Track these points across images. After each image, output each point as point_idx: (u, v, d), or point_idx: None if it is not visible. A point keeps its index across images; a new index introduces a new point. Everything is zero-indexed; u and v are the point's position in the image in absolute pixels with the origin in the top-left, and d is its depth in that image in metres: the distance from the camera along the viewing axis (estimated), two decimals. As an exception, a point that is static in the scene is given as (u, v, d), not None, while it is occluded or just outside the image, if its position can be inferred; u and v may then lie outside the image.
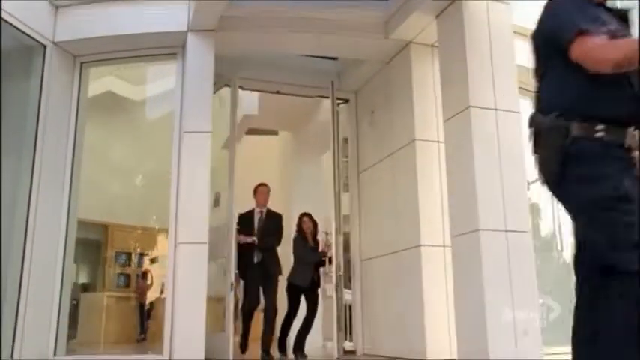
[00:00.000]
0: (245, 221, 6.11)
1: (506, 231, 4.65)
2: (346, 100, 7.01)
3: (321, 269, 6.49)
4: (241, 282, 6.28)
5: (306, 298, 6.26)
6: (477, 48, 4.96)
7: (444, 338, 5.19)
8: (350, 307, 6.68)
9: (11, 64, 5.36)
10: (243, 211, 6.22)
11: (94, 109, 7.91)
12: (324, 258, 6.40)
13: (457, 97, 4.97)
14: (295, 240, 6.43)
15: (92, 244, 10.58)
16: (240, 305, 6.34)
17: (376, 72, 6.48)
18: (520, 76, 5.57)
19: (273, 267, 6.08)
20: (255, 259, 5.98)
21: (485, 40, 4.99)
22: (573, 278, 6.13)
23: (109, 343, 8.42)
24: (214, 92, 6.42)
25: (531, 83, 2.33)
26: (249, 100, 7.77)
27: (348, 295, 6.69)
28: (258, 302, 6.08)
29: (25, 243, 5.17)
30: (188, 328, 4.96)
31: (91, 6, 5.77)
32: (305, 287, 6.24)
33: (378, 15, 5.76)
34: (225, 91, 6.69)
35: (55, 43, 5.66)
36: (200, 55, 5.50)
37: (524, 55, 5.86)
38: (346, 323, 6.76)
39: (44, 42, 5.59)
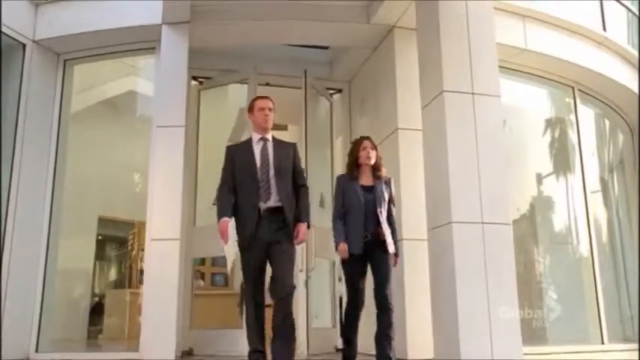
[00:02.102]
0: None
1: (482, 223, 4.34)
2: (339, 90, 6.78)
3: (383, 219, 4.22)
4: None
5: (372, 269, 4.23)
6: (452, 29, 4.66)
7: (427, 337, 4.92)
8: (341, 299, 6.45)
9: (-10, 64, 5.40)
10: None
11: (114, 109, 8.03)
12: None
13: (432, 82, 4.69)
14: (341, 180, 4.36)
15: (117, 242, 10.75)
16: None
17: (365, 60, 6.22)
18: (502, 55, 5.25)
19: None
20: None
21: (462, 21, 4.68)
22: (586, 273, 5.78)
23: (133, 339, 8.53)
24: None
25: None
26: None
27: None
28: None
29: (2, 244, 5.20)
30: (158, 326, 4.87)
31: (70, 2, 5.75)
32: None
33: (359, -1, 5.51)
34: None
35: (35, 42, 5.68)
36: (174, 48, 5.40)
37: (508, 33, 5.66)
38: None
39: (24, 40, 5.60)
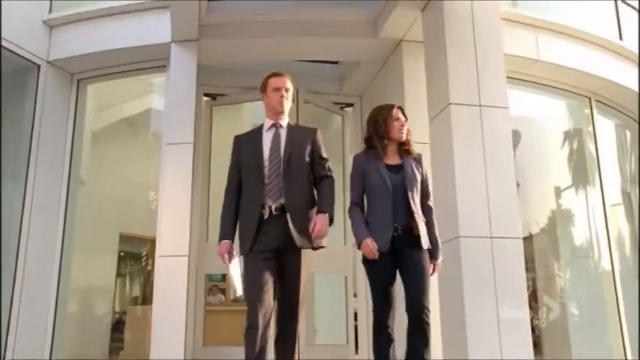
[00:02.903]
0: None
1: (491, 237, 4.25)
2: (350, 105, 6.77)
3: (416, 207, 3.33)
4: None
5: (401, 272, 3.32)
6: (459, 41, 4.62)
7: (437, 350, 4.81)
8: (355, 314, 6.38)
9: (5, 85, 5.54)
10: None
11: (134, 127, 8.16)
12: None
13: (439, 94, 4.64)
14: (359, 160, 3.47)
15: (138, 258, 10.86)
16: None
17: (375, 74, 6.19)
18: (510, 66, 5.18)
19: None
20: None
21: (468, 32, 4.64)
22: (608, 288, 5.61)
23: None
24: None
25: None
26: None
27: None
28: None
29: (16, 265, 5.29)
30: (168, 342, 4.87)
31: (84, 23, 5.87)
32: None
33: (366, 13, 5.50)
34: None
35: (49, 62, 5.80)
36: (183, 66, 5.45)
37: (516, 43, 5.58)
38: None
39: (38, 61, 5.73)
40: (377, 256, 3.16)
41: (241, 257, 3.21)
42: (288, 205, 3.12)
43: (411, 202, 3.26)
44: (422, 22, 5.04)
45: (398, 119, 3.39)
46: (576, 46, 6.09)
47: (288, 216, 3.10)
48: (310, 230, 3.09)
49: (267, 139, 3.28)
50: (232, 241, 3.20)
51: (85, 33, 5.85)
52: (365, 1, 5.47)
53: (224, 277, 7.88)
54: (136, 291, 11.35)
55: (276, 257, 3.13)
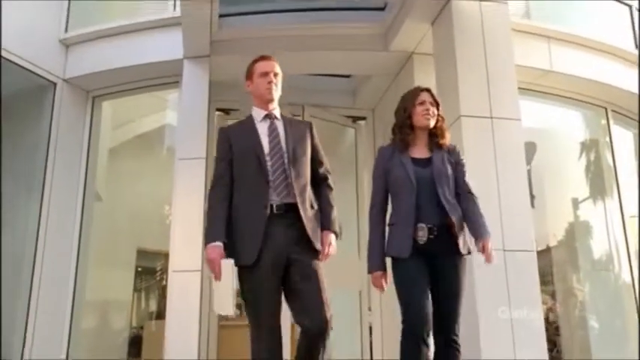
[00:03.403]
0: None
1: (504, 250, 4.19)
2: (363, 118, 6.76)
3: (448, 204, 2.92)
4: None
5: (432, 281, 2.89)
6: (469, 52, 4.60)
7: None
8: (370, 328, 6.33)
9: (22, 104, 5.65)
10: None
11: (151, 142, 8.25)
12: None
13: (450, 107, 4.59)
14: (382, 153, 3.08)
15: (155, 273, 10.92)
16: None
17: (387, 87, 6.19)
18: (523, 77, 5.14)
19: None
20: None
21: (478, 44, 4.62)
22: (628, 302, 5.50)
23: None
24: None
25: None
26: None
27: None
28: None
29: (32, 280, 5.36)
30: (181, 358, 4.86)
31: (99, 41, 5.98)
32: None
33: (376, 27, 5.52)
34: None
35: (65, 80, 5.90)
36: (195, 81, 5.50)
37: (528, 54, 5.54)
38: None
39: (54, 80, 5.84)
40: (385, 290, 2.90)
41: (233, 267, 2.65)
42: (301, 205, 2.72)
43: (442, 198, 2.85)
44: (432, 35, 5.03)
45: (422, 103, 2.98)
46: (590, 56, 6.04)
47: (302, 215, 2.71)
48: (323, 254, 2.76)
49: (262, 131, 2.86)
50: (225, 244, 2.69)
51: (99, 51, 5.95)
52: (375, 15, 5.49)
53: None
54: (153, 306, 11.41)
55: (287, 261, 2.68)
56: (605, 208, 6.71)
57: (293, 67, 5.91)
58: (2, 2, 5.36)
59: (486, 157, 4.37)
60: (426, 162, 2.95)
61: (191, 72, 5.53)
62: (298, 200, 2.73)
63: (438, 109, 3.02)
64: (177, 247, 5.14)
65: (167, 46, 5.71)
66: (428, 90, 3.07)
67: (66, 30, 6.06)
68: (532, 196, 6.25)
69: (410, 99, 3.03)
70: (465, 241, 2.90)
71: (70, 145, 5.83)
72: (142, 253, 8.90)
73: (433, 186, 2.87)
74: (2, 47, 5.28)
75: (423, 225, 2.82)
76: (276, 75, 2.93)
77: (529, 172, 6.22)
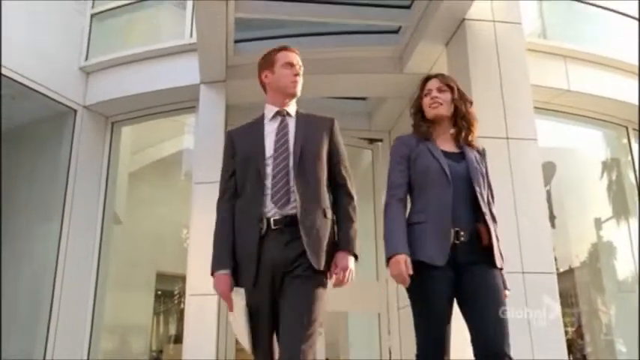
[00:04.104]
0: None
1: (523, 273, 4.12)
2: (379, 140, 6.75)
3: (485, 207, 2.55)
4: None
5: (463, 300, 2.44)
6: (484, 73, 4.57)
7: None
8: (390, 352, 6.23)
9: (43, 130, 5.77)
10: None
11: (171, 167, 8.35)
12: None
13: (465, 128, 4.58)
14: (402, 141, 2.69)
15: (175, 297, 10.96)
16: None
17: (403, 109, 6.17)
18: (540, 96, 5.10)
19: None
20: None
21: (493, 64, 4.59)
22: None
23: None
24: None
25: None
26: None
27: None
28: None
29: (51, 305, 5.39)
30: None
31: (117, 68, 6.10)
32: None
33: (391, 49, 5.53)
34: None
35: (85, 107, 6.01)
36: (211, 106, 5.56)
37: (545, 73, 5.50)
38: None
39: (75, 107, 5.96)
40: (407, 281, 2.33)
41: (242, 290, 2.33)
42: (302, 216, 2.29)
43: (480, 199, 2.43)
44: (447, 56, 5.03)
45: (428, 93, 2.64)
46: (608, 75, 5.98)
47: (301, 231, 2.28)
48: (337, 279, 2.33)
49: (270, 130, 2.50)
50: (232, 272, 2.37)
51: (118, 77, 6.06)
52: (389, 38, 5.51)
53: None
54: (172, 329, 11.42)
55: (282, 280, 2.29)
56: (629, 227, 6.58)
57: (309, 90, 5.92)
58: (25, 31, 5.51)
59: (503, 177, 4.31)
60: (459, 156, 2.54)
61: (207, 97, 5.59)
62: (299, 211, 2.30)
63: (454, 94, 2.61)
64: (194, 270, 5.15)
65: (184, 72, 5.79)
66: (437, 76, 2.71)
67: (86, 58, 6.19)
68: (553, 217, 6.17)
69: (418, 92, 2.71)
70: (499, 252, 2.47)
71: (89, 170, 5.92)
72: (161, 277, 8.95)
73: (468, 184, 2.45)
74: (25, 75, 5.42)
75: (458, 229, 2.38)
76: (301, 68, 2.64)
77: (549, 192, 6.15)
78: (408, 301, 2.51)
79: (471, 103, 2.66)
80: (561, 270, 6.35)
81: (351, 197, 2.47)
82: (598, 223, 6.84)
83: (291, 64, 2.61)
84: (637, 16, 6.39)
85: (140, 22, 6.75)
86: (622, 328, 6.48)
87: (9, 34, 5.23)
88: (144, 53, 5.99)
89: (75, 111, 5.95)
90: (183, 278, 9.45)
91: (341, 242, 2.38)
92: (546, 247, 4.26)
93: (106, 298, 5.94)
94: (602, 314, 6.65)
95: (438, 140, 2.58)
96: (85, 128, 5.98)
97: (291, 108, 2.60)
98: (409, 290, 2.42)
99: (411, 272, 2.32)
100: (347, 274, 2.32)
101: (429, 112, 2.60)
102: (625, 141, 6.59)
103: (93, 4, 6.53)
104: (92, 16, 6.44)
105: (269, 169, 2.39)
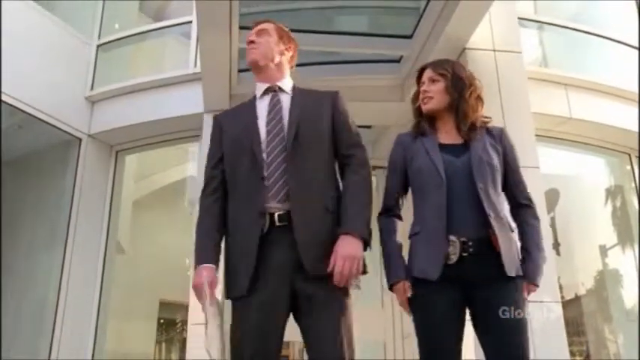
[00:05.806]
0: None
1: (528, 302, 4.07)
2: (383, 167, 6.75)
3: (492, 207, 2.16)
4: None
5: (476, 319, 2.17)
6: (485, 102, 4.54)
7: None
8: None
9: (48, 159, 5.81)
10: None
11: (175, 194, 8.38)
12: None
13: (467, 156, 4.59)
14: (401, 140, 2.53)
15: (178, 325, 10.89)
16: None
17: (406, 136, 6.21)
18: (541, 124, 5.12)
19: None
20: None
21: (494, 93, 4.61)
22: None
23: None
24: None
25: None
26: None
27: None
28: None
29: (53, 331, 5.37)
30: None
31: (122, 97, 6.17)
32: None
33: (393, 78, 5.57)
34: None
35: (90, 135, 6.06)
36: (214, 135, 5.59)
37: (546, 101, 5.53)
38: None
39: (80, 135, 6.01)
40: (406, 305, 2.14)
41: (223, 301, 2.12)
42: (295, 211, 1.96)
43: (484, 199, 2.09)
44: (448, 85, 5.06)
45: (422, 86, 2.40)
46: (610, 102, 6.00)
47: (295, 231, 1.94)
48: (329, 270, 1.92)
49: (262, 110, 2.16)
50: (217, 267, 2.07)
51: (123, 107, 6.13)
52: (391, 67, 5.56)
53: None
54: (175, 358, 11.33)
55: (291, 302, 1.96)
56: (635, 254, 6.53)
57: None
58: (32, 61, 5.59)
59: (505, 205, 4.31)
60: (461, 149, 2.23)
61: (210, 126, 5.61)
62: (293, 205, 1.96)
63: (447, 81, 2.31)
64: (194, 298, 5.11)
65: (188, 101, 5.84)
66: (431, 64, 2.43)
67: (92, 87, 6.27)
68: (557, 244, 6.14)
69: (416, 85, 2.48)
70: (513, 258, 2.11)
71: (93, 198, 5.95)
72: (164, 305, 8.92)
73: (469, 181, 2.13)
74: (31, 105, 5.48)
75: (454, 238, 2.06)
76: (257, 35, 2.38)
77: (553, 219, 6.12)
78: (412, 329, 2.26)
79: (472, 84, 2.34)
80: (567, 298, 6.29)
81: (359, 175, 2.15)
82: (603, 250, 6.80)
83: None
84: (637, 44, 6.45)
85: (145, 52, 6.85)
86: (631, 357, 6.39)
87: (17, 65, 5.31)
88: (148, 83, 6.06)
89: (80, 140, 6.00)
90: (186, 307, 9.42)
91: (345, 221, 2.00)
92: (551, 275, 4.23)
93: (108, 326, 5.91)
94: (610, 343, 6.57)
95: (441, 133, 2.31)
96: (90, 157, 6.02)
97: (285, 83, 2.26)
98: (411, 310, 2.19)
99: (409, 294, 2.13)
100: (350, 264, 1.89)
101: (424, 106, 2.36)
102: (628, 168, 6.59)
103: (99, 35, 6.63)
104: (98, 46, 6.54)
105: (264, 155, 2.05)
